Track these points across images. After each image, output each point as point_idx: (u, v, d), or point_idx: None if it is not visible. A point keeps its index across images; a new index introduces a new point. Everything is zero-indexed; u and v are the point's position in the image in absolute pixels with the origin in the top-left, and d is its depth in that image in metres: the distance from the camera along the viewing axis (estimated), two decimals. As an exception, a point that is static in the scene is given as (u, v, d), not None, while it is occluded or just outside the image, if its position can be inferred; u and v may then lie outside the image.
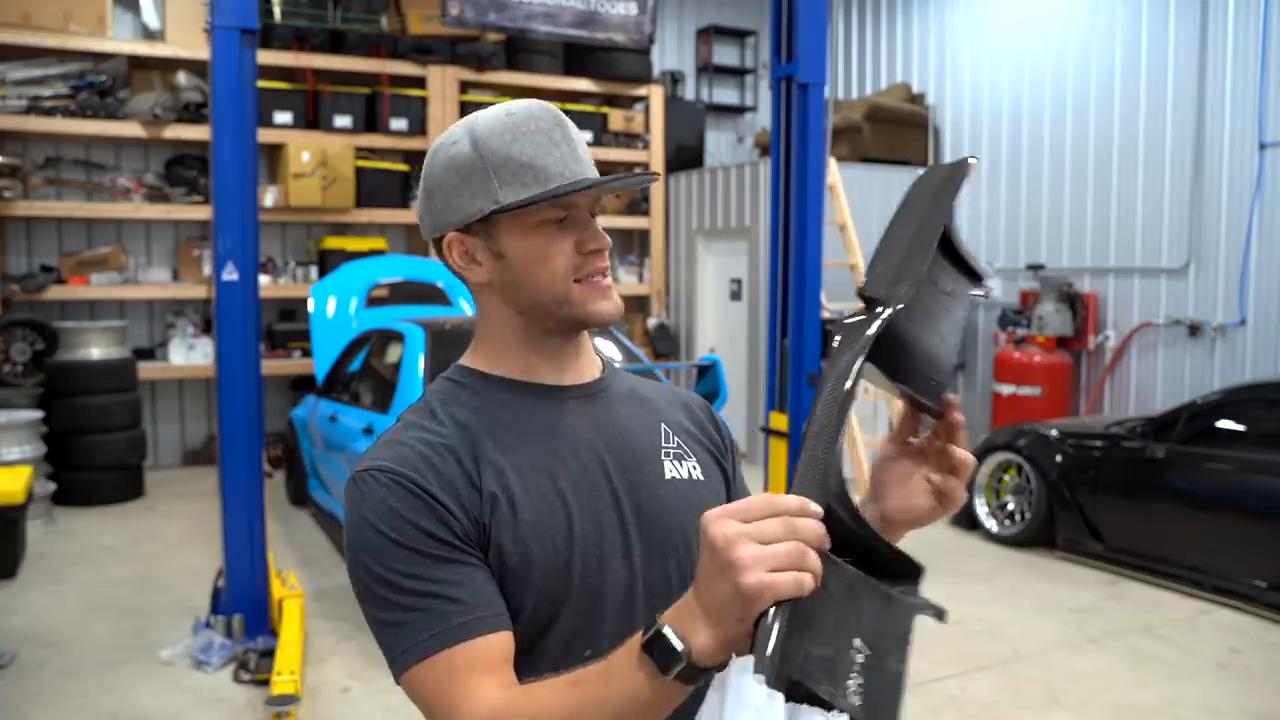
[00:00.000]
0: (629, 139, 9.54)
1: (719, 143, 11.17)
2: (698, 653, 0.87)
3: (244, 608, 4.43)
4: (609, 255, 1.22)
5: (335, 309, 6.83)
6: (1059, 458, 6.14)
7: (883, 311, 1.06)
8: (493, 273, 1.19)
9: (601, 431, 1.23)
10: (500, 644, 1.06)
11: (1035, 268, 8.48)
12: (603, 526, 1.18)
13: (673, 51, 11.06)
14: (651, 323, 9.90)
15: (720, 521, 0.85)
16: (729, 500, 1.29)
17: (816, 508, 0.87)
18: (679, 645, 0.87)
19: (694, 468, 1.28)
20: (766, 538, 0.83)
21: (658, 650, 0.88)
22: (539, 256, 1.16)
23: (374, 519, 1.09)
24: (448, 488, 1.11)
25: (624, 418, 1.27)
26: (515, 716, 0.98)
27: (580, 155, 1.17)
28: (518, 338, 1.22)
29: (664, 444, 1.27)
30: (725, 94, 11.33)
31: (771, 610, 0.83)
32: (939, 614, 1.00)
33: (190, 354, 8.09)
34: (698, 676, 0.88)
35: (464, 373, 1.25)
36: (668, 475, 1.25)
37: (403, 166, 8.68)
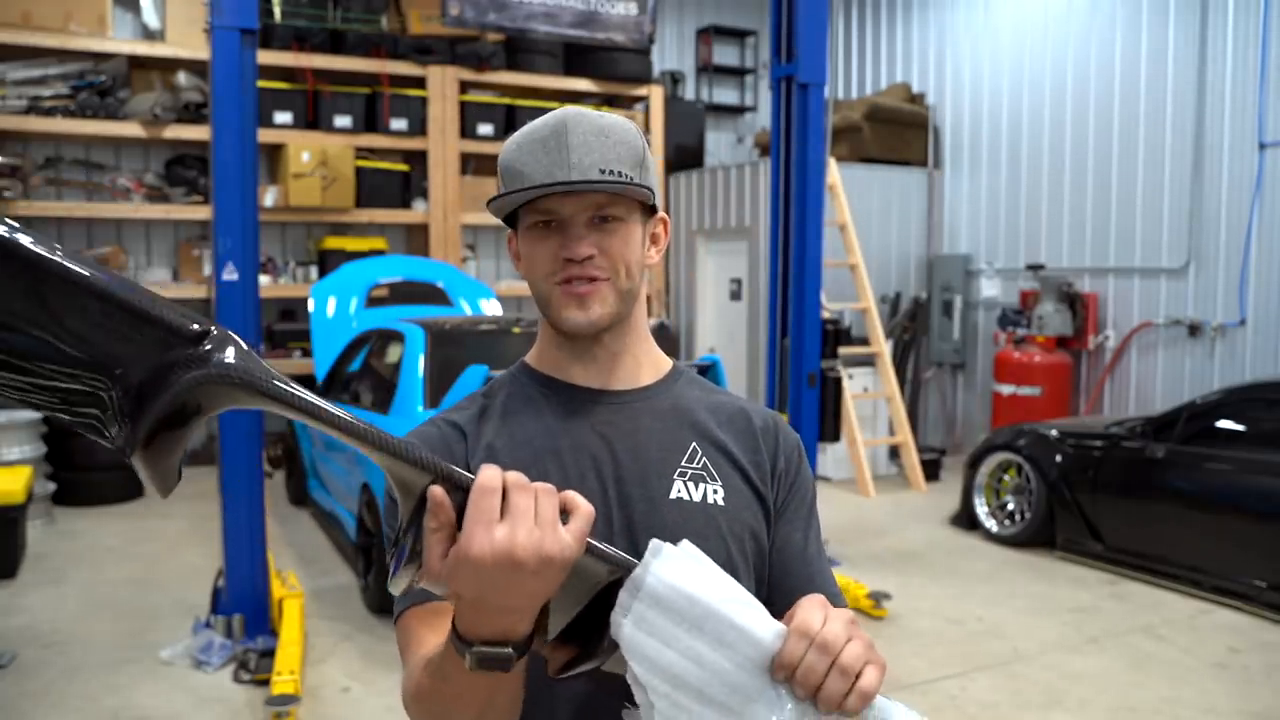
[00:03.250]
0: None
1: (719, 143, 11.18)
2: (520, 636, 0.92)
3: (244, 608, 4.43)
4: (621, 261, 1.19)
5: (335, 309, 6.83)
6: (1059, 458, 6.14)
7: None
8: (523, 270, 1.26)
9: (615, 442, 1.23)
10: (444, 609, 1.14)
11: (1035, 268, 8.48)
12: None
13: (673, 51, 11.06)
14: (651, 323, 9.91)
15: (474, 542, 0.87)
16: (765, 535, 1.28)
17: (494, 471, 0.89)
18: (506, 651, 0.91)
19: (715, 491, 1.24)
20: (529, 510, 0.88)
21: (492, 665, 0.92)
22: (529, 258, 1.22)
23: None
24: None
25: (647, 430, 1.25)
26: (407, 681, 1.11)
27: (571, 161, 1.14)
28: (547, 335, 1.29)
29: (684, 463, 1.25)
30: (725, 94, 11.33)
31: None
32: None
33: (190, 354, 8.08)
34: (509, 662, 0.92)
35: (519, 364, 1.33)
36: (673, 495, 1.22)
37: (403, 166, 8.68)
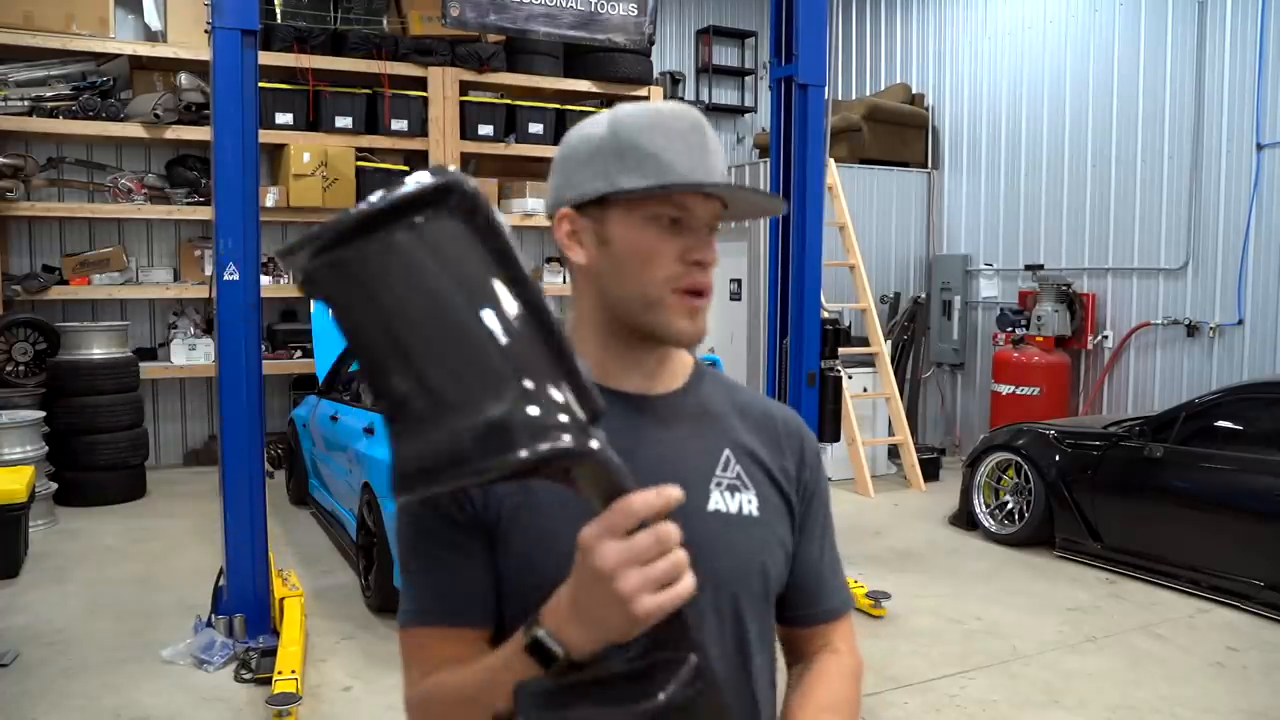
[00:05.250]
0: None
1: (719, 143, 11.18)
2: (578, 654, 0.90)
3: (245, 607, 4.44)
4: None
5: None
6: (1057, 457, 6.16)
7: None
8: (594, 258, 1.15)
9: (648, 448, 1.15)
10: (463, 636, 1.11)
11: (1034, 268, 8.50)
12: None
13: (673, 52, 11.07)
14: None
15: (600, 547, 0.86)
16: (800, 543, 1.27)
17: (673, 493, 0.87)
18: (558, 650, 0.90)
19: (749, 501, 1.20)
20: (644, 557, 0.85)
21: (539, 654, 0.91)
22: (643, 253, 1.12)
23: None
24: None
25: (681, 438, 1.19)
26: (426, 696, 1.08)
27: (711, 164, 1.12)
28: (598, 332, 1.19)
29: (719, 472, 1.20)
30: (725, 94, 11.34)
31: (689, 663, 0.90)
32: None
33: (191, 354, 8.11)
34: (581, 668, 0.92)
35: None
36: (710, 507, 1.17)
37: (403, 167, 8.68)
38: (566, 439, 0.82)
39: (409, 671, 1.13)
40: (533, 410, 0.82)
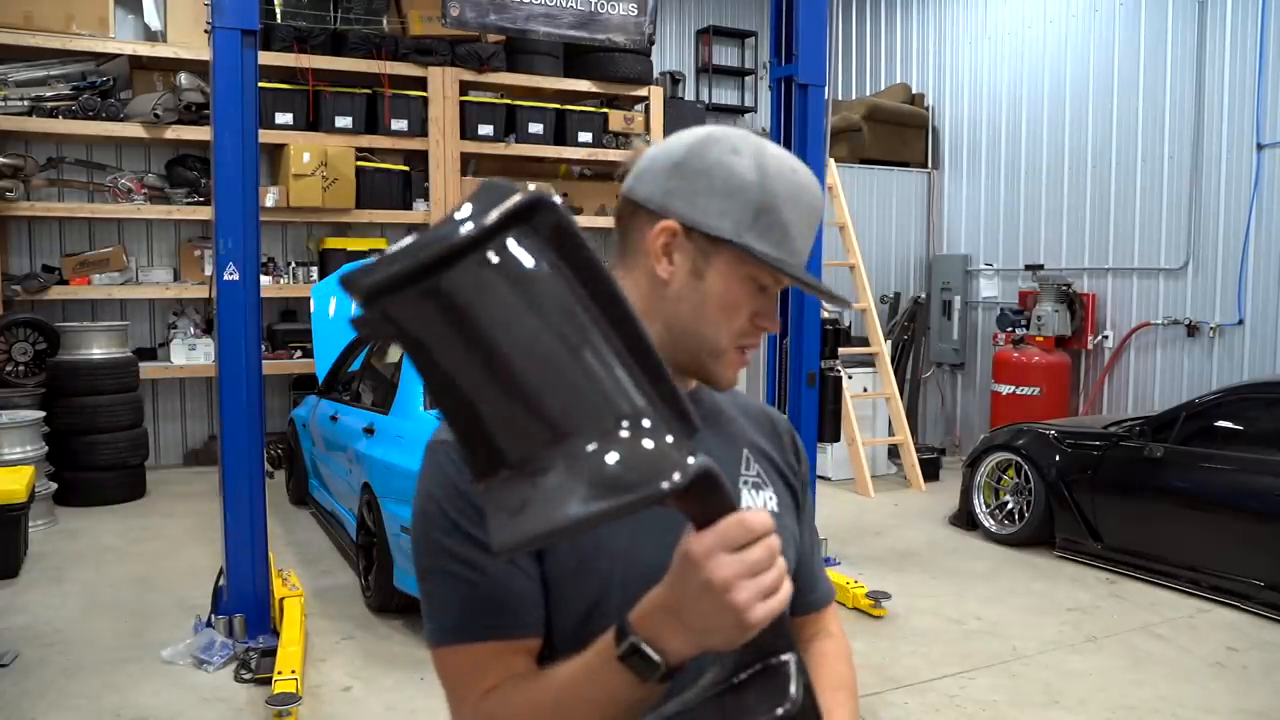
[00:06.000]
0: (628, 140, 9.55)
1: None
2: (676, 660, 0.90)
3: (245, 607, 4.44)
4: None
5: (336, 309, 6.84)
6: (1058, 457, 6.16)
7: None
8: (680, 282, 1.15)
9: None
10: (518, 649, 1.07)
11: (1034, 268, 8.50)
12: (663, 552, 1.10)
13: (673, 52, 11.08)
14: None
15: (713, 562, 0.86)
16: (800, 535, 1.32)
17: (769, 518, 0.89)
18: (656, 658, 0.90)
19: (770, 498, 1.26)
20: (757, 568, 0.86)
21: (636, 662, 0.90)
22: (729, 304, 1.15)
23: (440, 495, 1.09)
24: None
25: (704, 438, 1.18)
26: (502, 715, 1.03)
27: (811, 242, 1.18)
28: None
29: (744, 471, 1.25)
30: (725, 94, 11.35)
31: (793, 662, 0.91)
32: None
33: (191, 354, 8.11)
34: (676, 674, 0.91)
35: None
36: (743, 506, 1.16)
37: (403, 167, 8.69)
38: (679, 476, 0.78)
39: (460, 694, 1.07)
40: (642, 444, 0.78)
